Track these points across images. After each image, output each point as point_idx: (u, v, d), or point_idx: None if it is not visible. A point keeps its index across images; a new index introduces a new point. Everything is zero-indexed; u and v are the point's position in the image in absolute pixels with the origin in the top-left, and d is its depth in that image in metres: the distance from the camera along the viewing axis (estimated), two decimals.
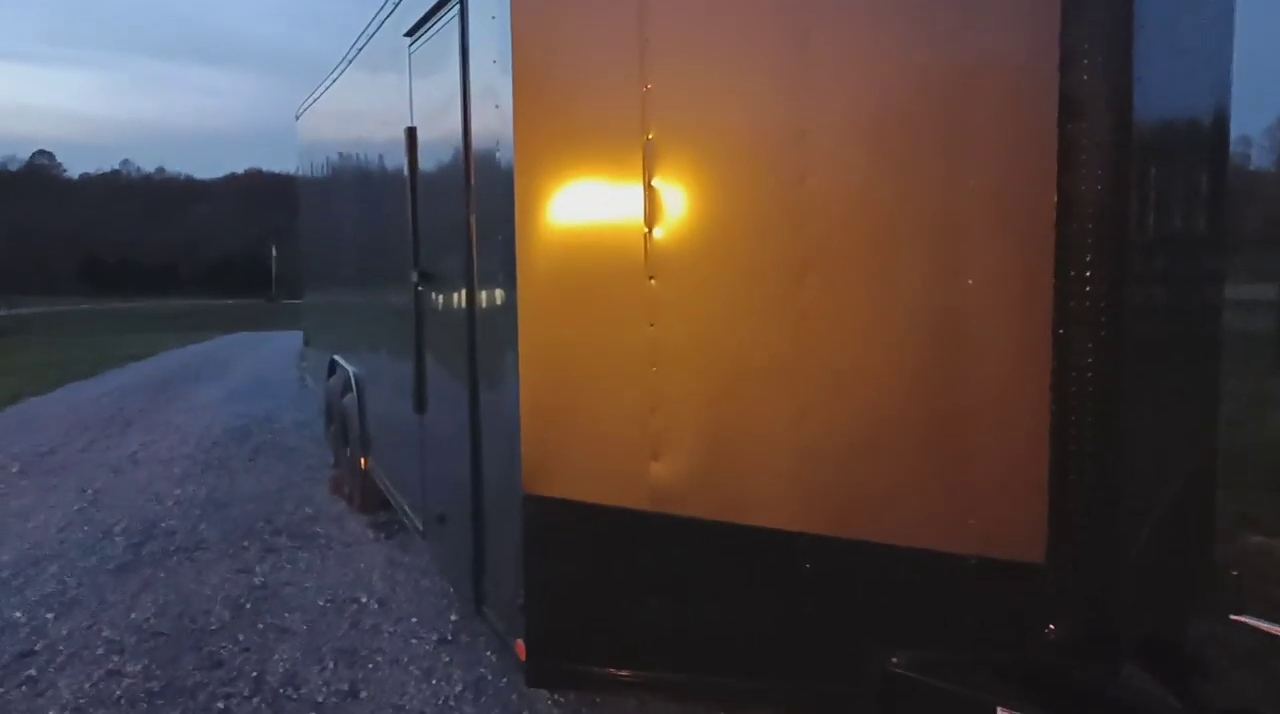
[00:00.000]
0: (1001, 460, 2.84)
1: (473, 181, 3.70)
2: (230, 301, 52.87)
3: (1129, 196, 2.74)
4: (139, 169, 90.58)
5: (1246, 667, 2.79)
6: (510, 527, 3.39)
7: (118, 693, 4.12)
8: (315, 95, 8.13)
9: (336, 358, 7.49)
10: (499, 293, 3.44)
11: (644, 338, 3.10)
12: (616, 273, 3.12)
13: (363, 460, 6.38)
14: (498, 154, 3.38)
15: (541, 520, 3.24)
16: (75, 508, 7.10)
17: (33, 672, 4.34)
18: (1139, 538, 3.01)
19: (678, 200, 3.05)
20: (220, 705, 4.02)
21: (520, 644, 3.33)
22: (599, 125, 3.15)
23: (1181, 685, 2.93)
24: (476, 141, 3.65)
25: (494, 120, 3.38)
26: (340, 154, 7.07)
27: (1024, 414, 2.77)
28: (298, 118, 9.42)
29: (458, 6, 3.71)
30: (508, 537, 3.45)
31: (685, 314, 3.09)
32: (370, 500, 6.53)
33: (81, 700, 4.06)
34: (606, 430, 3.19)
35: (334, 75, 7.11)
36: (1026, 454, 2.77)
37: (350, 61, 6.36)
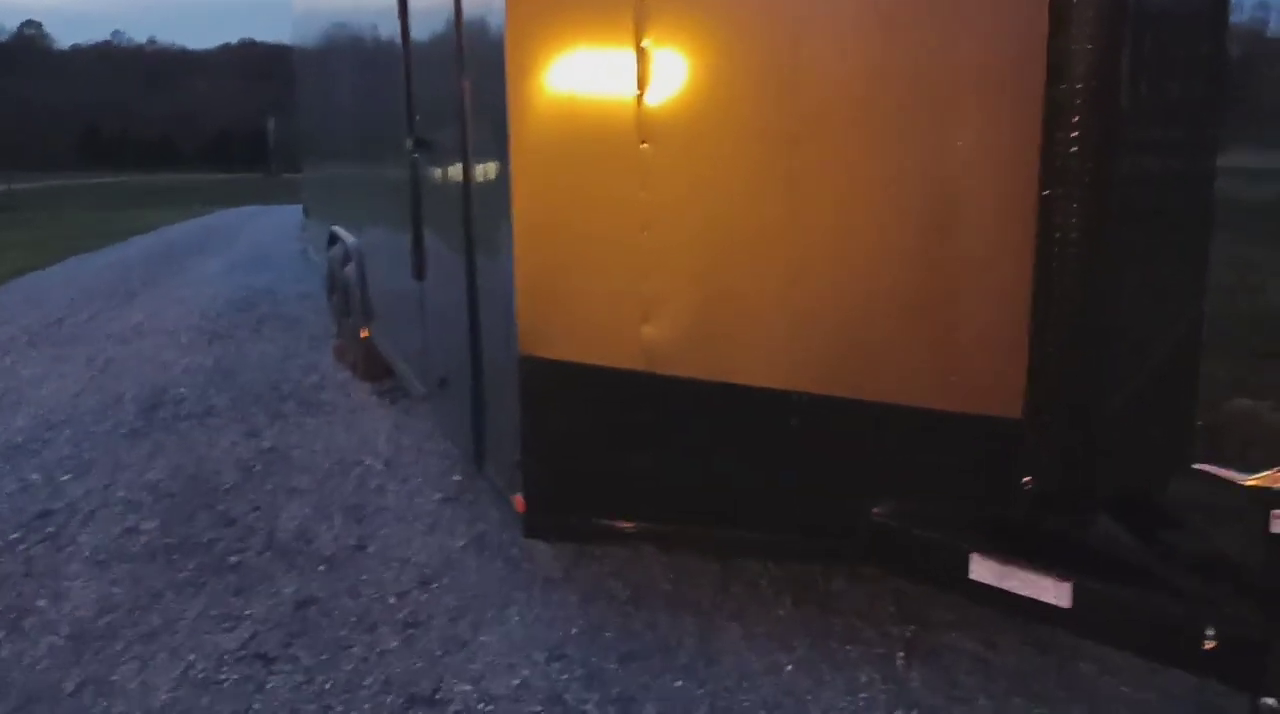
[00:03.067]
0: (984, 320, 2.94)
1: (464, 49, 3.69)
2: (229, 175, 52.27)
3: (1119, 59, 2.75)
4: (130, 39, 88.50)
5: (1213, 514, 2.92)
6: (508, 387, 3.50)
7: (135, 549, 4.32)
8: None
9: (336, 229, 7.52)
10: (492, 160, 3.47)
11: (636, 202, 3.15)
12: (609, 137, 3.15)
13: (364, 330, 6.49)
14: (488, 20, 3.37)
15: (537, 380, 3.34)
16: (86, 376, 7.24)
17: (52, 529, 4.52)
18: (1118, 398, 3.11)
19: (669, 65, 3.06)
20: (234, 559, 4.21)
21: (518, 498, 3.48)
22: None
23: (1153, 535, 3.06)
24: (467, 8, 3.62)
25: None
26: (334, 23, 6.96)
27: (1008, 276, 2.85)
28: None
29: None
30: (506, 397, 3.56)
31: (677, 179, 3.13)
32: (373, 368, 6.66)
33: (102, 555, 4.25)
34: (600, 293, 3.27)
35: None
36: (1009, 314, 2.86)
37: None
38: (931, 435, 3.01)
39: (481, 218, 3.72)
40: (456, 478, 5.03)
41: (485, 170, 3.61)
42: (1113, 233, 2.82)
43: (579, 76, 3.18)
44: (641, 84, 3.06)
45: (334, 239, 7.65)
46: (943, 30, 2.83)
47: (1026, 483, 2.94)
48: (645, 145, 3.10)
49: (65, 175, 50.60)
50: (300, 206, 11.59)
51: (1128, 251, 3.00)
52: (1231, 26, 4.18)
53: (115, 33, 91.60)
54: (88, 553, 4.27)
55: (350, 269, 6.78)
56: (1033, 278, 2.81)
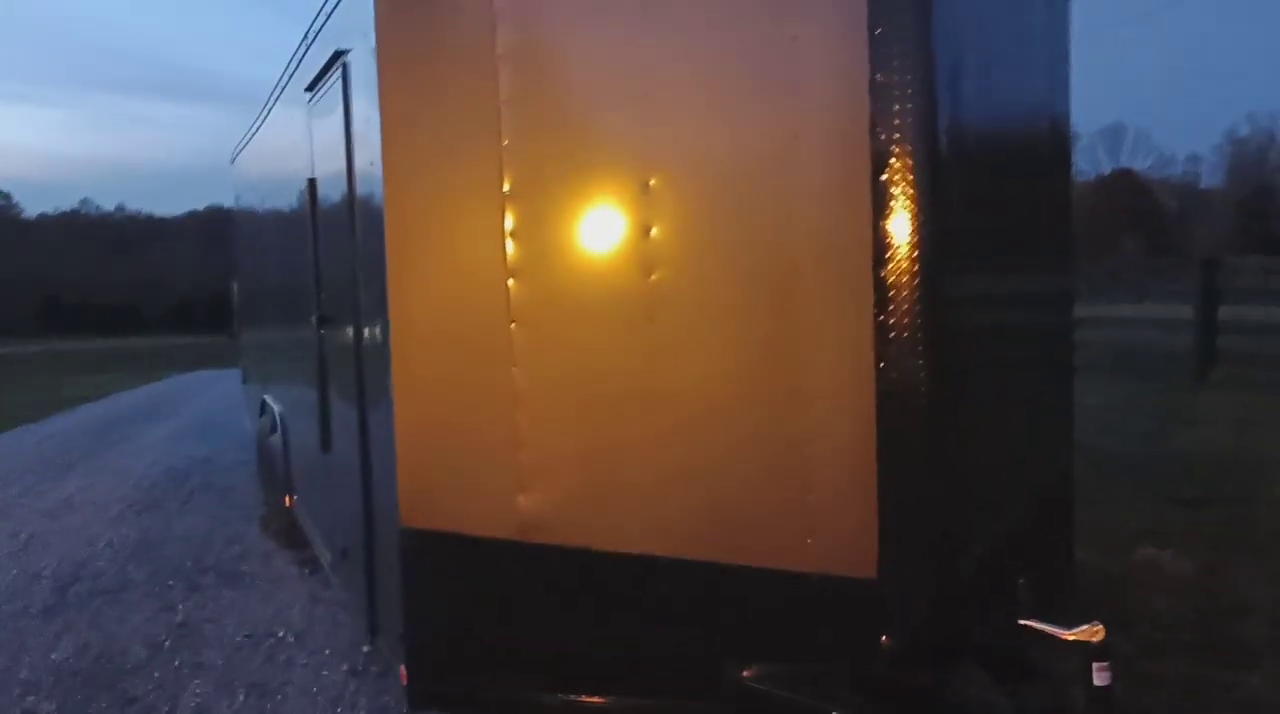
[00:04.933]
0: (836, 484, 3.07)
1: (357, 230, 3.91)
2: (192, 339, 52.32)
3: (939, 239, 2.99)
4: (98, 208, 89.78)
5: (1061, 667, 3.02)
6: (391, 558, 3.58)
7: None
8: (244, 141, 8.33)
9: (266, 398, 7.64)
10: (378, 335, 3.65)
11: (507, 378, 3.31)
12: (481, 317, 3.33)
13: (288, 498, 6.53)
14: (373, 203, 3.60)
15: (417, 551, 3.43)
16: (6, 553, 7.17)
17: None
18: (973, 553, 3.24)
19: (534, 249, 3.27)
20: None
21: (403, 669, 3.51)
22: (462, 177, 3.36)
23: (1013, 687, 3.15)
24: (359, 193, 3.87)
25: (370, 172, 3.60)
26: (262, 199, 7.26)
27: (855, 442, 3.00)
28: (232, 161, 9.59)
29: (341, 67, 3.94)
30: (392, 568, 3.63)
31: (544, 355, 3.30)
32: (297, 538, 6.67)
33: None
34: (475, 465, 3.39)
35: (257, 123, 7.31)
36: (859, 478, 3.00)
37: (269, 110, 6.57)
38: (793, 597, 3.11)
39: (371, 390, 3.86)
40: (365, 649, 5.01)
41: (372, 344, 3.78)
42: (951, 398, 3.00)
43: (453, 260, 3.39)
44: (509, 268, 3.27)
45: (264, 407, 7.76)
46: (780, 216, 3.05)
47: (884, 641, 3.03)
48: (514, 325, 3.29)
49: (27, 342, 50.46)
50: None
51: (971, 410, 3.18)
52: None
53: (84, 200, 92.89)
54: None
55: (276, 438, 6.87)
56: (876, 442, 2.97)
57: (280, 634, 5.34)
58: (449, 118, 3.39)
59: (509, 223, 3.27)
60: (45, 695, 4.64)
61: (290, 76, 5.40)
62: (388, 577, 3.74)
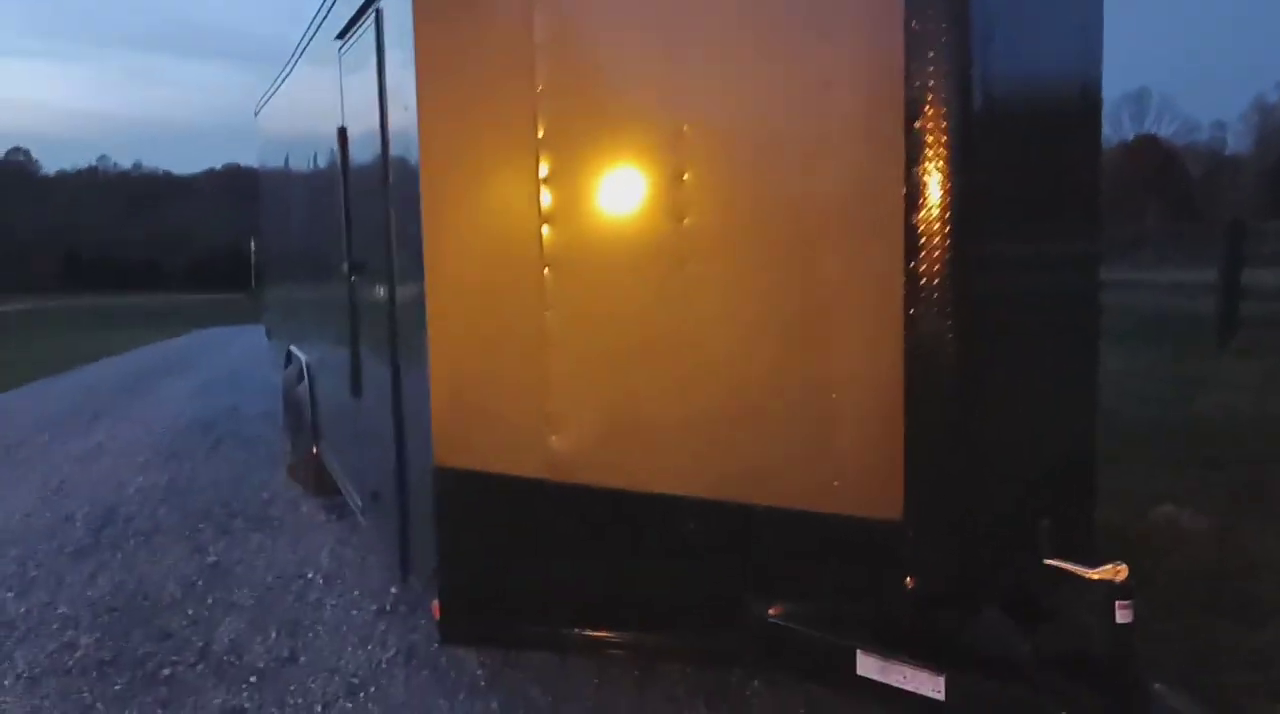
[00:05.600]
0: (863, 428, 3.13)
1: (390, 179, 3.97)
2: (211, 296, 52.67)
3: (970, 189, 3.02)
4: (116, 165, 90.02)
5: (1066, 607, 3.09)
6: (425, 498, 3.67)
7: (69, 664, 4.39)
8: (269, 94, 8.36)
9: (292, 348, 7.73)
10: (412, 282, 3.71)
11: (540, 322, 3.38)
12: (514, 263, 3.40)
13: (314, 446, 6.64)
14: (408, 152, 3.65)
15: (450, 490, 3.52)
16: (39, 497, 7.33)
17: None
18: (997, 498, 3.30)
19: (568, 195, 3.32)
20: (166, 673, 4.29)
21: (435, 605, 3.61)
22: (496, 124, 3.41)
23: (1029, 630, 3.22)
24: (391, 141, 3.92)
25: (404, 120, 3.65)
26: (289, 151, 7.31)
27: (881, 386, 3.05)
28: (256, 114, 9.63)
29: (374, 13, 3.97)
30: (425, 508, 3.72)
31: (576, 300, 3.36)
32: (323, 485, 6.78)
33: (35, 671, 4.32)
34: (508, 407, 3.47)
35: (283, 74, 7.34)
36: (886, 422, 3.06)
37: (295, 61, 6.60)
38: (818, 538, 3.18)
39: (404, 336, 3.94)
40: (394, 590, 5.13)
41: (407, 291, 3.84)
42: (977, 345, 3.05)
43: (488, 205, 3.45)
44: (543, 213, 3.32)
45: (290, 358, 7.86)
46: (812, 163, 3.09)
47: (909, 582, 3.10)
48: (546, 271, 3.35)
49: (47, 298, 50.89)
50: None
51: (998, 363, 3.23)
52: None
53: (101, 158, 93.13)
54: (23, 668, 4.33)
55: (302, 388, 6.97)
56: (904, 388, 3.02)
57: (309, 575, 5.46)
58: (483, 65, 3.43)
59: (543, 169, 3.31)
60: (84, 630, 4.78)
61: (319, 26, 5.43)
62: (421, 516, 3.83)
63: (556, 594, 3.50)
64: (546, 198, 3.32)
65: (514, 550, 3.53)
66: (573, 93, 3.31)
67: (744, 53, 3.14)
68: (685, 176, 3.22)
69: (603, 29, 3.32)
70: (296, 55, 6.51)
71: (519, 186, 3.35)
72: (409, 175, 3.64)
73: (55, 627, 4.82)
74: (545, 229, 3.34)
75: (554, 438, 3.41)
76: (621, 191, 3.32)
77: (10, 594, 5.26)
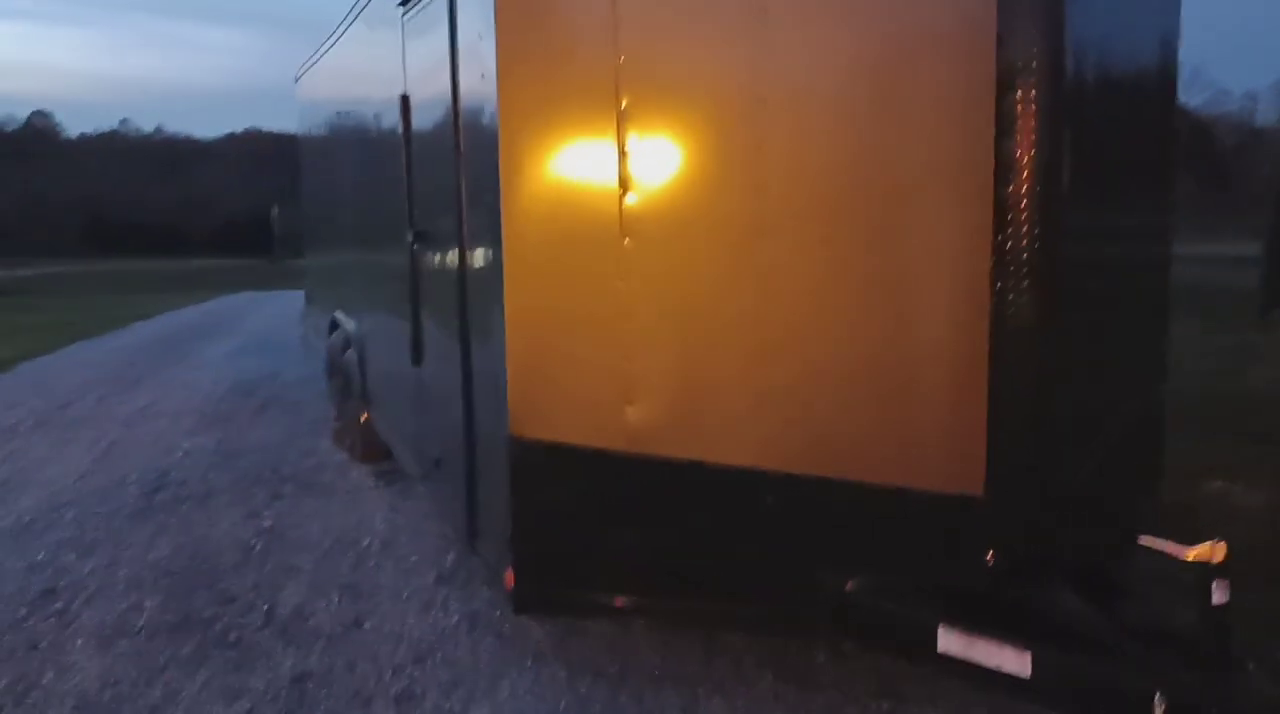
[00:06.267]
0: (944, 402, 3.11)
1: (462, 146, 3.95)
2: (234, 262, 52.80)
3: (1062, 160, 2.98)
4: (138, 129, 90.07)
5: (1165, 585, 3.08)
6: (499, 467, 3.69)
7: (139, 625, 4.45)
8: (314, 59, 8.33)
9: (337, 315, 7.76)
10: (486, 251, 3.71)
11: (618, 291, 3.38)
12: (593, 232, 3.39)
13: (363, 413, 6.68)
14: (483, 120, 3.64)
15: (526, 460, 3.54)
16: (91, 459, 7.41)
17: (59, 605, 4.66)
18: (1075, 475, 3.29)
19: (649, 164, 3.30)
20: (234, 636, 4.34)
21: (509, 573, 3.63)
22: (576, 93, 3.40)
23: (1108, 606, 3.21)
24: (464, 108, 3.90)
25: (480, 87, 3.63)
26: (339, 117, 7.31)
27: (965, 360, 3.03)
28: (297, 80, 9.61)
29: None
30: (497, 476, 3.74)
31: (655, 270, 3.36)
32: (371, 451, 6.84)
33: (106, 632, 4.38)
34: (584, 377, 3.48)
35: (332, 40, 7.31)
36: (967, 396, 3.03)
37: (348, 27, 6.57)
38: (897, 512, 3.17)
39: (476, 304, 3.94)
40: (451, 557, 5.16)
41: (479, 259, 3.84)
42: (1062, 318, 3.02)
43: (567, 174, 3.43)
44: (623, 183, 3.31)
45: (335, 325, 7.89)
46: (898, 132, 3.06)
47: (988, 557, 3.09)
48: (626, 240, 3.34)
49: (71, 262, 51.13)
50: (302, 293, 11.89)
51: (1078, 335, 3.20)
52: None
53: (123, 121, 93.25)
54: (92, 629, 4.39)
55: (350, 354, 7.00)
56: (988, 363, 3.00)
57: (365, 542, 5.50)
58: (565, 33, 3.42)
59: (623, 138, 3.30)
60: (149, 591, 4.84)
61: None
62: (492, 485, 3.85)
63: (629, 565, 3.52)
64: (626, 167, 3.30)
65: (588, 521, 3.54)
66: (655, 61, 3.29)
67: (829, 19, 3.10)
68: (767, 146, 3.20)
69: None
70: (349, 21, 6.47)
71: (599, 155, 3.34)
72: (485, 142, 3.62)
73: (120, 588, 4.88)
74: (625, 198, 3.32)
75: (630, 409, 3.41)
76: (701, 161, 3.30)
77: (73, 556, 5.33)
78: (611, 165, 3.32)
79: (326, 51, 7.63)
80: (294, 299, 22.16)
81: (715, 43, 3.25)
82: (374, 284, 6.30)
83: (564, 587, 3.61)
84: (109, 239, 66.10)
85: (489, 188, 3.56)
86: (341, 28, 6.83)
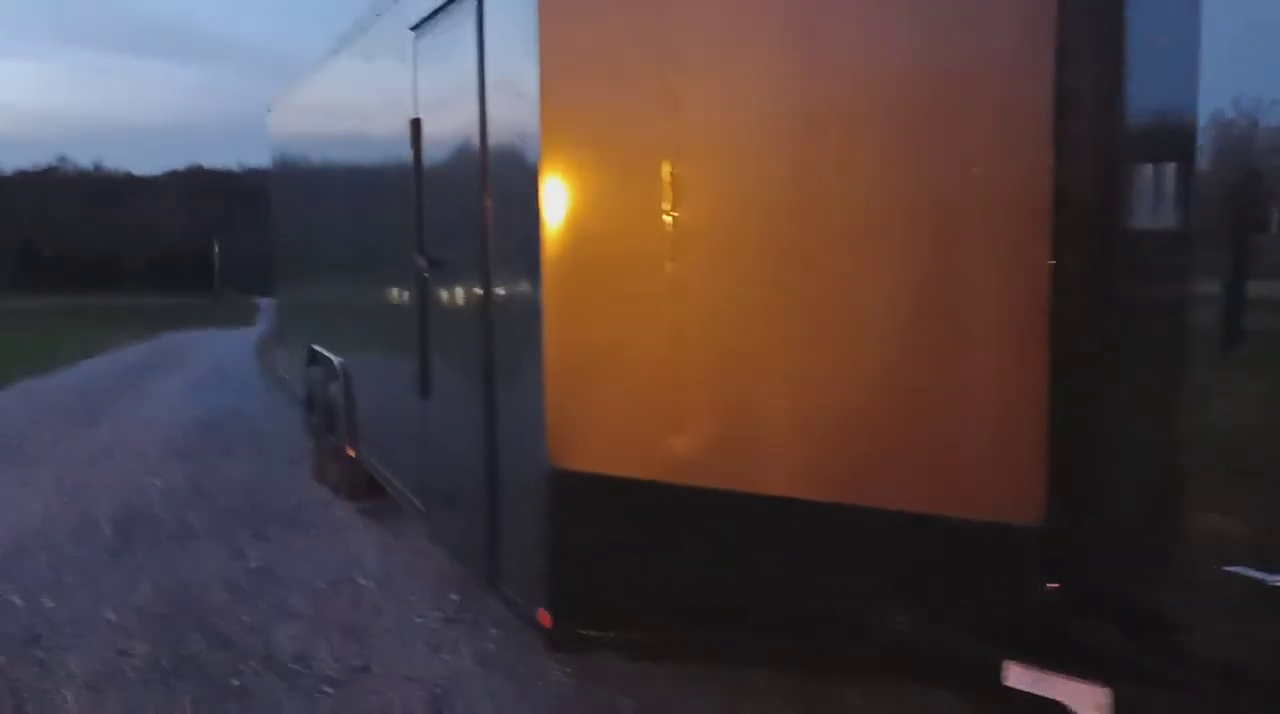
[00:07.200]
0: (1000, 431, 3.05)
1: (489, 170, 3.84)
2: (173, 299, 51.90)
3: (1118, 190, 2.97)
4: (76, 164, 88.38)
5: (1237, 617, 3.03)
6: (530, 500, 3.54)
7: (130, 673, 4.20)
8: (293, 89, 8.17)
9: (316, 348, 7.55)
10: (519, 277, 3.59)
11: (662, 318, 3.27)
12: (637, 257, 3.29)
13: (349, 448, 6.47)
14: (519, 143, 3.53)
15: (565, 492, 3.39)
16: (57, 498, 7.08)
17: (41, 653, 4.39)
18: (1128, 504, 3.24)
19: (697, 187, 3.22)
20: (235, 683, 4.12)
21: (543, 612, 3.48)
22: (622, 114, 3.32)
23: (1169, 638, 3.15)
24: (494, 130, 3.79)
25: (515, 110, 3.53)
26: (323, 146, 7.13)
27: (1022, 388, 2.98)
28: (270, 111, 9.44)
29: (475, 3, 3.84)
30: (527, 510, 3.60)
31: (701, 295, 3.26)
32: (356, 487, 6.63)
33: (96, 681, 4.12)
34: (628, 406, 3.36)
35: (315, 71, 7.17)
36: (1024, 425, 2.98)
37: (338, 55, 6.44)
38: (952, 543, 3.09)
39: (503, 333, 3.81)
40: (454, 596, 4.98)
41: (509, 285, 3.72)
42: (1124, 345, 2.99)
43: (609, 198, 3.34)
44: (669, 206, 3.22)
45: (314, 358, 7.67)
46: (952, 155, 3.01)
47: (1048, 588, 3.02)
48: (672, 264, 3.24)
49: (4, 297, 49.74)
50: (249, 329, 11.63)
51: (1140, 364, 3.17)
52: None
53: (60, 157, 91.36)
54: (82, 678, 4.14)
55: (335, 387, 6.79)
56: (1048, 390, 2.94)
57: (360, 580, 5.30)
58: (610, 54, 3.33)
59: (671, 159, 3.21)
60: (137, 636, 4.58)
61: (381, 19, 5.30)
62: (521, 519, 3.70)
63: (673, 600, 3.38)
64: (673, 190, 3.22)
65: (629, 555, 3.40)
66: (704, 81, 3.21)
67: (880, 39, 3.06)
68: (815, 169, 3.13)
69: (738, 11, 3.21)
70: (341, 48, 6.34)
71: (645, 178, 3.25)
72: (520, 165, 3.51)
73: (106, 633, 4.62)
74: (670, 222, 3.23)
75: (675, 438, 3.30)
76: (749, 184, 3.22)
77: (50, 600, 5.04)
78: (657, 188, 3.23)
79: (310, 80, 7.48)
80: (240, 336, 21.82)
81: (764, 62, 3.18)
82: (366, 315, 6.13)
83: (605, 625, 3.46)
84: (43, 275, 64.51)
85: (524, 212, 3.45)
86: (331, 55, 6.70)
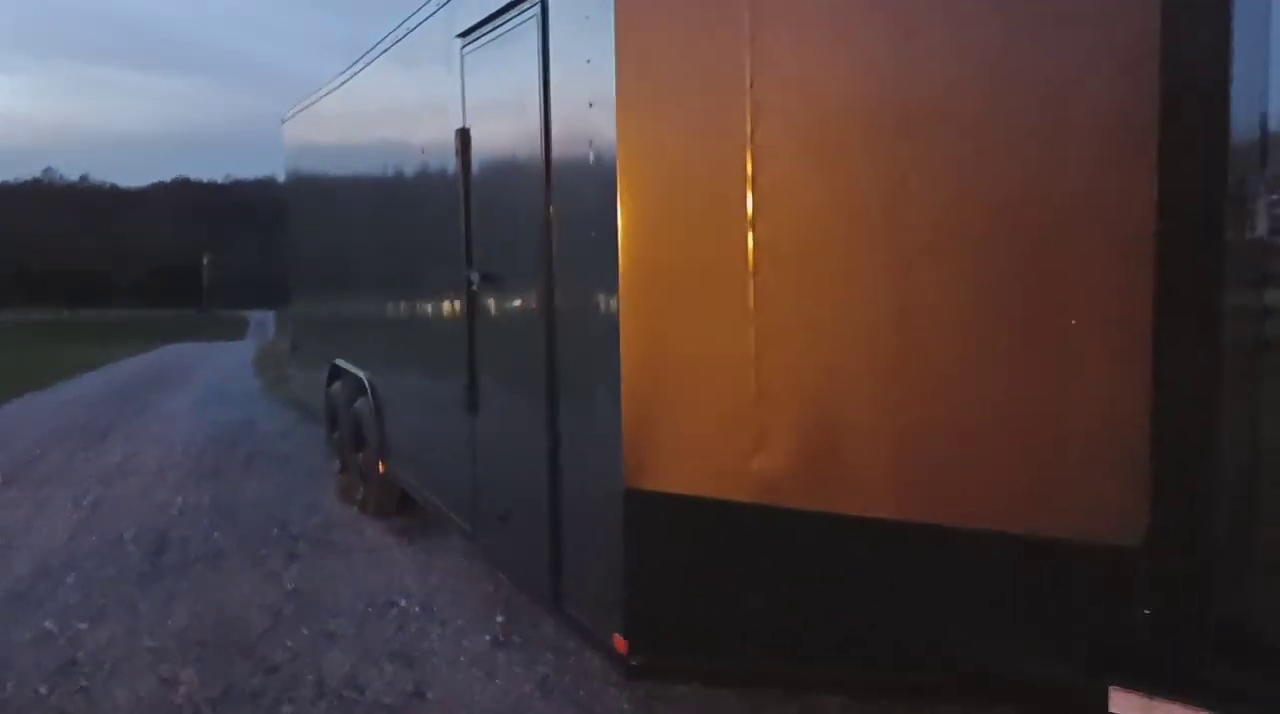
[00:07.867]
0: (1099, 450, 2.94)
1: (553, 181, 3.73)
2: (162, 312, 51.74)
3: (1224, 201, 2.87)
4: (62, 177, 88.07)
5: None
6: (601, 521, 3.43)
7: (177, 701, 4.06)
8: (313, 99, 8.04)
9: (340, 363, 7.42)
10: (591, 291, 3.47)
11: (746, 332, 3.16)
12: (720, 267, 3.17)
13: (379, 465, 6.34)
14: (591, 151, 3.42)
15: (642, 513, 3.27)
16: (77, 518, 6.92)
17: (83, 682, 4.25)
18: (1233, 524, 3.14)
19: (781, 195, 3.11)
20: (288, 710, 3.98)
21: (618, 638, 3.35)
22: (703, 119, 3.20)
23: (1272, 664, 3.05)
24: (559, 141, 3.68)
25: (586, 117, 3.42)
26: (349, 157, 7.00)
27: (1120, 406, 2.88)
28: (284, 122, 9.30)
29: (538, 7, 3.74)
30: (597, 531, 3.48)
31: (785, 310, 3.14)
32: (386, 505, 6.50)
33: (142, 710, 3.99)
34: (709, 424, 3.24)
35: (341, 80, 7.05)
36: (1123, 444, 2.88)
37: (367, 65, 6.33)
38: (1047, 565, 2.99)
39: (570, 348, 3.69)
40: (500, 619, 4.86)
41: (577, 300, 3.60)
42: (1228, 361, 2.89)
43: (690, 207, 3.23)
44: (753, 215, 3.11)
45: (336, 374, 7.54)
46: (1051, 161, 2.91)
47: (1147, 612, 2.92)
48: (757, 275, 3.14)
49: None
50: (242, 342, 11.49)
51: (1238, 380, 3.07)
52: None
53: (47, 170, 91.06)
54: (128, 707, 4.00)
55: (363, 403, 6.66)
56: (1152, 407, 2.84)
57: (401, 603, 5.16)
58: (690, 57, 3.22)
59: (753, 169, 3.11)
60: (180, 662, 4.44)
61: (420, 26, 5.18)
62: (591, 540, 3.58)
63: (755, 626, 3.27)
64: (755, 200, 3.11)
65: (711, 579, 3.29)
66: (790, 85, 3.10)
67: (978, 41, 2.95)
68: (909, 176, 3.03)
69: (824, 11, 3.11)
70: (371, 59, 6.23)
71: (726, 188, 3.14)
72: (593, 175, 3.41)
73: (147, 659, 4.48)
74: (755, 232, 3.13)
75: (760, 458, 3.18)
76: (838, 192, 3.11)
77: (84, 624, 4.90)
78: (739, 198, 3.12)
79: (333, 91, 7.36)
80: (236, 349, 21.64)
81: (855, 65, 3.08)
82: (400, 329, 6.00)
83: (684, 651, 3.34)
84: (34, 288, 64.19)
85: (597, 224, 3.34)
86: (356, 66, 6.59)
